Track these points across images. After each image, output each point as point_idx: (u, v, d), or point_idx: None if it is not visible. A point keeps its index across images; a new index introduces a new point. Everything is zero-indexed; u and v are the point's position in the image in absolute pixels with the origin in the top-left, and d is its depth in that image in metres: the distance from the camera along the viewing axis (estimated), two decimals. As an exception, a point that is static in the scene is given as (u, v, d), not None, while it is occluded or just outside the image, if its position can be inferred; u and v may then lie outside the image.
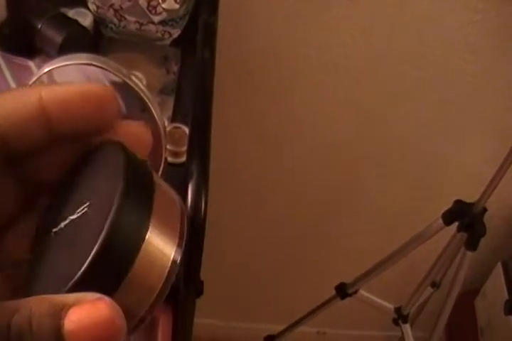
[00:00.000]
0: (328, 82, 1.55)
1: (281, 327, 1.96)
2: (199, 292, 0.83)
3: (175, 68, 1.16)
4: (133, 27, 1.15)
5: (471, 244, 1.36)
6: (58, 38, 1.05)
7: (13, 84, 1.09)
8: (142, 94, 0.79)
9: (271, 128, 1.65)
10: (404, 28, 1.45)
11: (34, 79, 0.82)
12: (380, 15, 1.42)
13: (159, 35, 1.17)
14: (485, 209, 1.36)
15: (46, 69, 0.80)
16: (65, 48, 1.04)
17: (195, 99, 0.89)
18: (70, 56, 0.79)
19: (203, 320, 2.06)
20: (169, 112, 1.10)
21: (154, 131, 0.81)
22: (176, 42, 1.20)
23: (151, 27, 1.15)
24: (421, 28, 1.45)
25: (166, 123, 1.01)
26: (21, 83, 1.07)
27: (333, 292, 1.70)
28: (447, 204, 1.39)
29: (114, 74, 0.77)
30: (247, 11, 1.40)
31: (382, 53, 1.49)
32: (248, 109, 1.60)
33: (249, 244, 1.97)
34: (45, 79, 0.99)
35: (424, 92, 1.58)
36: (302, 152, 1.71)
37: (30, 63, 1.10)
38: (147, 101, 0.79)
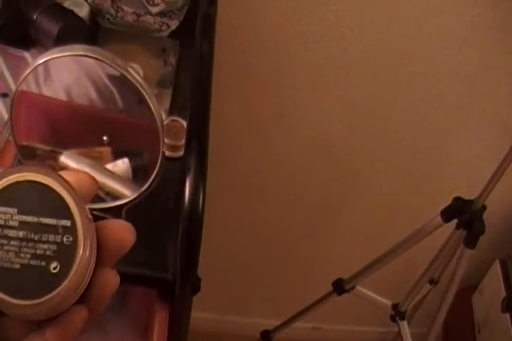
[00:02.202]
0: (326, 75, 1.54)
1: (277, 322, 1.95)
2: (196, 289, 0.82)
3: (173, 60, 1.15)
4: (130, 18, 1.13)
5: (470, 242, 1.35)
6: (54, 28, 1.04)
7: (8, 75, 1.07)
8: (139, 86, 0.78)
9: (269, 121, 1.64)
10: (403, 22, 1.44)
11: (29, 70, 0.81)
12: (379, 9, 1.41)
13: (157, 26, 1.15)
14: (484, 207, 1.34)
15: (41, 61, 0.79)
16: (61, 39, 1.03)
17: (193, 92, 0.88)
18: (65, 47, 0.78)
19: (198, 314, 2.05)
20: (166, 105, 1.08)
21: (152, 125, 0.80)
22: (174, 34, 1.18)
23: (149, 18, 1.14)
24: (419, 22, 1.43)
25: (164, 116, 0.99)
26: (17, 74, 1.06)
27: (330, 287, 1.69)
28: (446, 201, 1.38)
29: (110, 65, 0.76)
30: (245, 2, 1.38)
31: (380, 47, 1.48)
32: (246, 102, 1.59)
33: (247, 238, 1.96)
34: (40, 70, 0.97)
35: (423, 87, 1.57)
36: (301, 145, 1.70)
37: (26, 54, 1.09)
38: (144, 93, 0.78)
